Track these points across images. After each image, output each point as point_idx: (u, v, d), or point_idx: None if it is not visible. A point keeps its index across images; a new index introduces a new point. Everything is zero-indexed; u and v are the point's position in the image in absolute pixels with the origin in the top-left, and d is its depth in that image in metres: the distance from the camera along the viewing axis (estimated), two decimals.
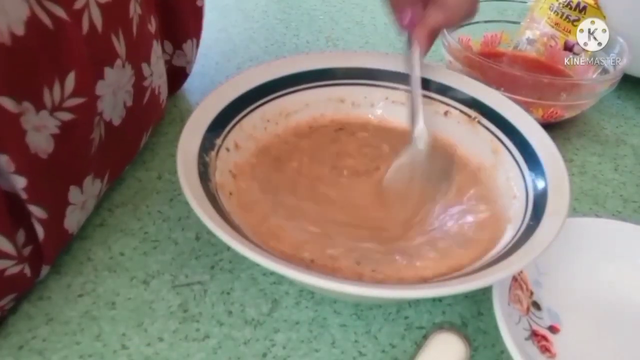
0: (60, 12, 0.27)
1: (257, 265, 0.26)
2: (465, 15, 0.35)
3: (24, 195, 0.28)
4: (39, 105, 0.28)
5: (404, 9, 0.35)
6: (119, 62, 0.33)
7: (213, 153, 0.34)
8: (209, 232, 0.27)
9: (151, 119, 0.41)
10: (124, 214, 0.38)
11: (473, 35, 0.54)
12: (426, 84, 0.41)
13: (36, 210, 0.29)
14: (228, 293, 0.33)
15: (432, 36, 0.35)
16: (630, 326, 0.33)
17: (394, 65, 0.42)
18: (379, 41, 0.62)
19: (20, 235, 0.29)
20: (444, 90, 0.41)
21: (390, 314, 0.33)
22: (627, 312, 0.33)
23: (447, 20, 0.34)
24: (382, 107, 0.42)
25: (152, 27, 0.39)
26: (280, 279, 0.34)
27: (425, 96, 0.41)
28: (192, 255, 0.35)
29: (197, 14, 0.48)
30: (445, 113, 0.41)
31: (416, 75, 0.37)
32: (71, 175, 0.32)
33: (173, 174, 0.41)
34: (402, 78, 0.42)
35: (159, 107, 0.35)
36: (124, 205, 0.38)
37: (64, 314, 0.31)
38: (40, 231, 0.29)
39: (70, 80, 0.29)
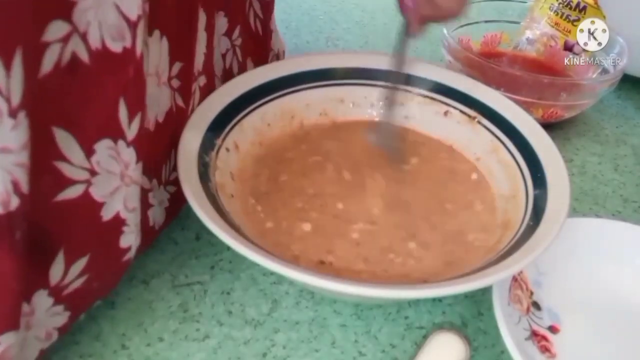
0: (180, 102, 0.31)
1: (257, 265, 0.26)
2: (450, 16, 0.37)
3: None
4: (159, 181, 0.31)
5: None
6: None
7: (213, 153, 0.34)
8: (209, 232, 0.27)
9: None
10: None
11: (473, 35, 0.54)
12: (426, 84, 0.41)
13: None
14: (228, 293, 0.33)
15: (423, 21, 0.37)
16: (630, 326, 0.33)
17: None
18: (379, 41, 0.62)
19: None
20: (444, 90, 0.41)
21: (390, 314, 0.33)
22: (627, 312, 0.33)
23: (435, 16, 0.36)
24: (382, 107, 0.42)
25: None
26: (280, 279, 0.34)
27: (425, 96, 0.41)
28: (192, 255, 0.35)
29: None
30: (445, 113, 0.41)
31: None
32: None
33: None
34: (402, 78, 0.42)
35: None
36: None
37: None
38: None
39: None
